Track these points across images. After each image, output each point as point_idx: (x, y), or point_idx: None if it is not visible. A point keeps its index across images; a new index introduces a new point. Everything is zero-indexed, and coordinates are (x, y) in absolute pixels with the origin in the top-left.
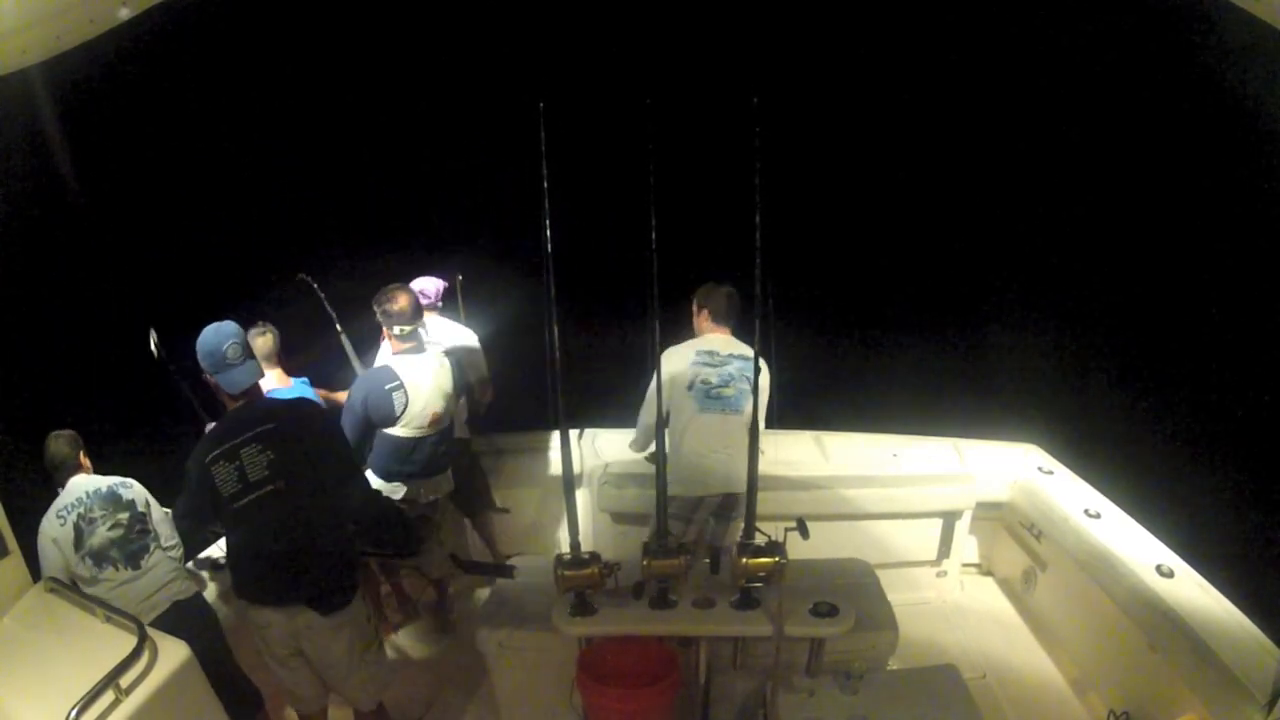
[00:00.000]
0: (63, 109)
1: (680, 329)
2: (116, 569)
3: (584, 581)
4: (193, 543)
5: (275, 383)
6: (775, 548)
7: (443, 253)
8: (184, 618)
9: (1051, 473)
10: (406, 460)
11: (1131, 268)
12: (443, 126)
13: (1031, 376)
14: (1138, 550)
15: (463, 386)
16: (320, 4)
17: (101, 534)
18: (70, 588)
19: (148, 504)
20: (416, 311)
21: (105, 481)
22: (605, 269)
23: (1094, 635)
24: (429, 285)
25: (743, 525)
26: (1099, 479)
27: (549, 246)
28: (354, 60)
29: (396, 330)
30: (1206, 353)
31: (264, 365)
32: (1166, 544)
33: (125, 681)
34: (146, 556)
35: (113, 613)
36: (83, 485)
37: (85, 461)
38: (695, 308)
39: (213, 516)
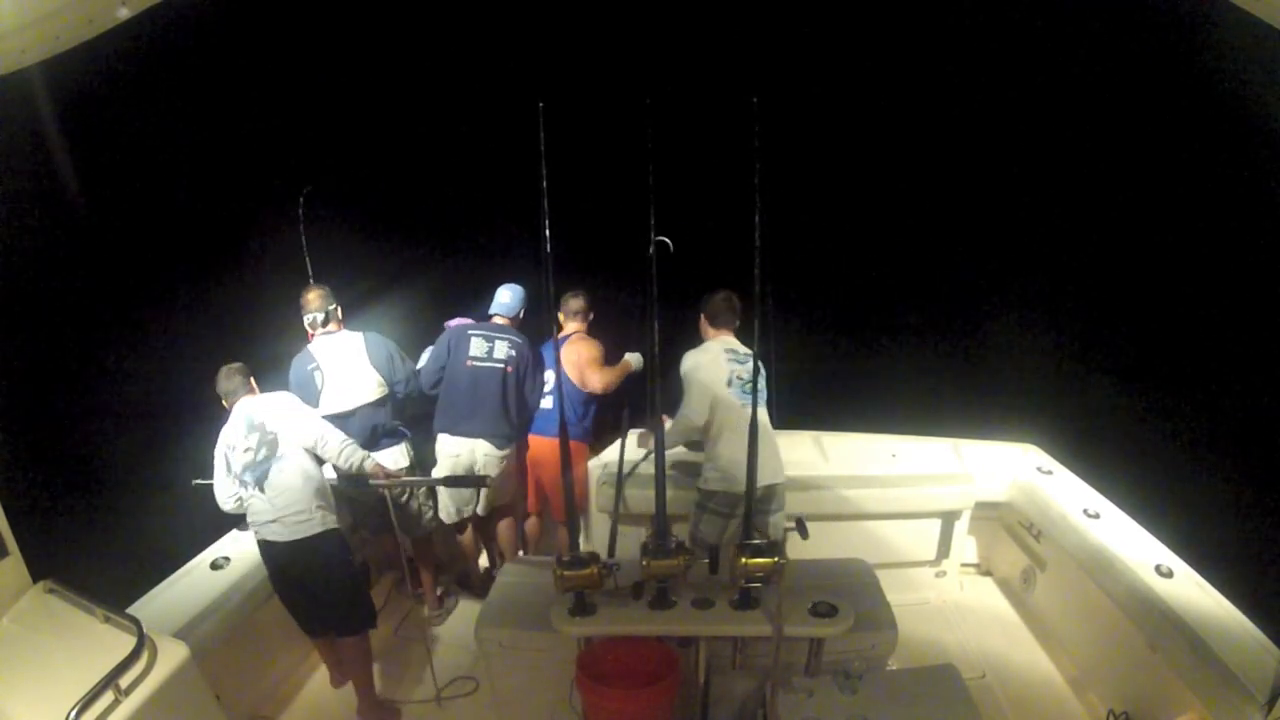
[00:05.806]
0: (62, 109)
1: (679, 328)
2: (247, 489)
3: (583, 582)
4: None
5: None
6: (775, 548)
7: (439, 255)
8: (308, 551)
9: (1051, 473)
10: None
11: (1131, 268)
12: (441, 126)
13: (1031, 376)
14: (1137, 550)
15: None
16: (320, 4)
17: (238, 458)
18: (67, 590)
19: (283, 422)
20: (320, 303)
21: (249, 409)
22: (604, 269)
23: (1093, 635)
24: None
25: (784, 518)
26: (1098, 479)
27: (548, 246)
28: (354, 60)
29: (306, 319)
30: (1206, 353)
31: (573, 321)
32: (1166, 544)
33: (125, 682)
34: (266, 482)
35: (112, 613)
36: (235, 419)
37: (253, 384)
38: (700, 315)
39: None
